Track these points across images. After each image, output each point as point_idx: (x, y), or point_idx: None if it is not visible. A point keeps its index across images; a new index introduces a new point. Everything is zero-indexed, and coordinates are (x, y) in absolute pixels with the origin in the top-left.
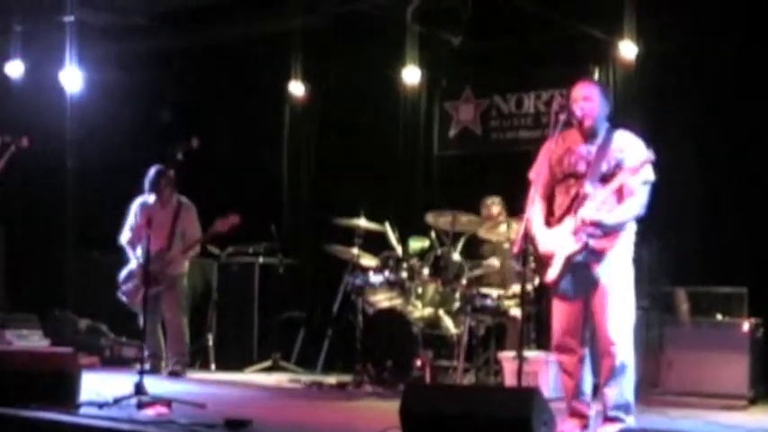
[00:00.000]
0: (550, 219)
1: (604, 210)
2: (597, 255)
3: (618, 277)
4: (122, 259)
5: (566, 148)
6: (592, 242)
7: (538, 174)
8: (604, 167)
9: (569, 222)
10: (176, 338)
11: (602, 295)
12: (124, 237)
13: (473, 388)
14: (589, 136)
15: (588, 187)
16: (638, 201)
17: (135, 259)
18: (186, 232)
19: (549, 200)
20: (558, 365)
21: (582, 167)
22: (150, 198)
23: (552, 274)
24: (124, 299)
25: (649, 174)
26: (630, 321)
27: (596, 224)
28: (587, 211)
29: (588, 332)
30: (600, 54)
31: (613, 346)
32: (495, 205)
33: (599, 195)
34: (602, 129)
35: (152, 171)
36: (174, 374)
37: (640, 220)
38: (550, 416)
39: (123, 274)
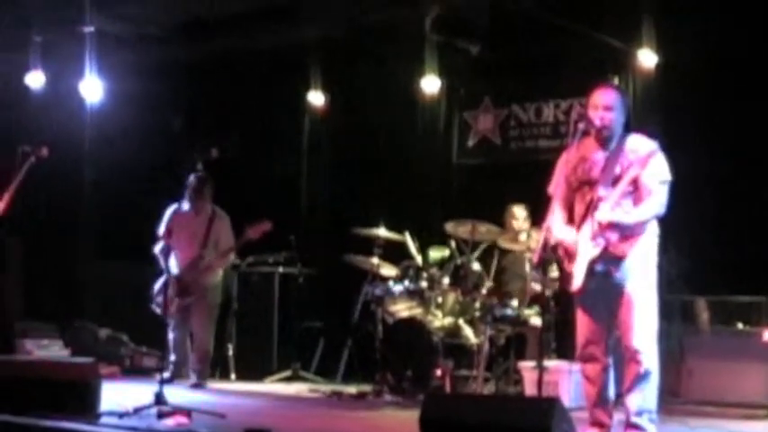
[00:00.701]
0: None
1: (620, 211)
2: (616, 259)
3: (642, 284)
4: (142, 267)
5: (580, 156)
6: (610, 246)
7: (556, 185)
8: (618, 170)
9: (587, 229)
10: (202, 349)
11: (627, 303)
12: (158, 245)
13: (493, 397)
14: (605, 143)
15: (602, 191)
16: (657, 200)
17: (167, 270)
18: (219, 242)
19: (569, 210)
20: (582, 374)
21: (596, 174)
22: (185, 205)
23: (577, 282)
24: (158, 310)
25: (666, 173)
26: (655, 328)
27: (614, 225)
28: (602, 214)
29: (612, 340)
30: (619, 63)
31: (639, 354)
32: (520, 211)
33: (612, 196)
34: (617, 135)
35: (193, 178)
36: (197, 384)
37: (658, 229)
38: (571, 425)
39: (158, 285)
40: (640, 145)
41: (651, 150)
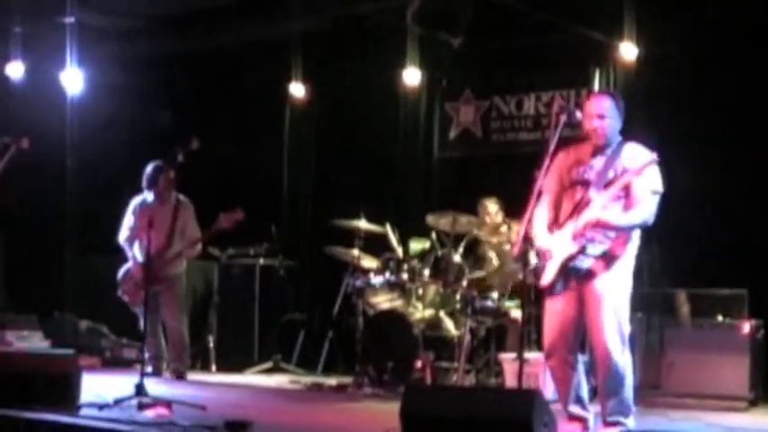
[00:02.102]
0: (554, 226)
1: (610, 213)
2: (609, 259)
3: (615, 285)
4: (123, 259)
5: (576, 158)
6: (601, 246)
7: (548, 181)
8: (611, 174)
9: (570, 227)
10: (177, 339)
11: (597, 301)
12: (122, 235)
13: (474, 389)
14: (601, 149)
15: (593, 193)
16: (645, 208)
17: (132, 258)
18: (186, 231)
19: (557, 210)
20: (549, 371)
21: (590, 176)
22: (149, 196)
23: (548, 277)
24: (126, 298)
25: (658, 184)
26: (626, 326)
27: (602, 224)
28: (593, 213)
29: (584, 337)
30: (600, 56)
31: (608, 354)
32: (492, 205)
33: (602, 198)
34: (614, 142)
35: (150, 168)
36: (178, 374)
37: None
38: (551, 417)
39: (122, 272)
40: (637, 154)
41: (649, 160)
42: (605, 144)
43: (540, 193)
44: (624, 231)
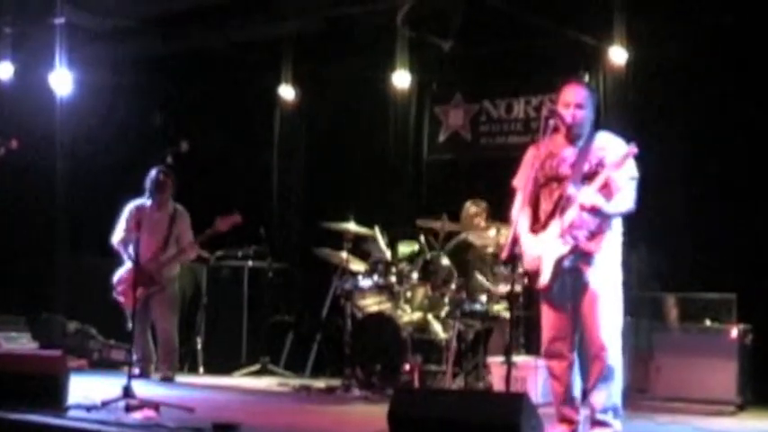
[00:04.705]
0: (536, 225)
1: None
2: (586, 256)
3: (607, 281)
4: (112, 261)
5: (548, 152)
6: (580, 244)
7: (522, 180)
8: (586, 167)
9: (555, 226)
10: (166, 342)
11: (591, 299)
12: (116, 237)
13: (462, 393)
14: (574, 140)
15: (571, 189)
16: (626, 195)
17: (128, 260)
18: (181, 238)
19: (534, 206)
20: (548, 370)
21: (564, 170)
22: (147, 201)
23: (544, 279)
24: (120, 299)
25: (634, 170)
26: (619, 325)
27: (595, 209)
28: (586, 196)
29: (577, 336)
30: (590, 60)
31: (603, 350)
32: (472, 207)
33: (584, 193)
34: (587, 132)
35: (154, 172)
36: (165, 376)
37: (628, 226)
38: (539, 421)
39: (117, 275)
40: (609, 143)
41: (627, 152)
42: (580, 134)
43: (514, 190)
44: (606, 223)
